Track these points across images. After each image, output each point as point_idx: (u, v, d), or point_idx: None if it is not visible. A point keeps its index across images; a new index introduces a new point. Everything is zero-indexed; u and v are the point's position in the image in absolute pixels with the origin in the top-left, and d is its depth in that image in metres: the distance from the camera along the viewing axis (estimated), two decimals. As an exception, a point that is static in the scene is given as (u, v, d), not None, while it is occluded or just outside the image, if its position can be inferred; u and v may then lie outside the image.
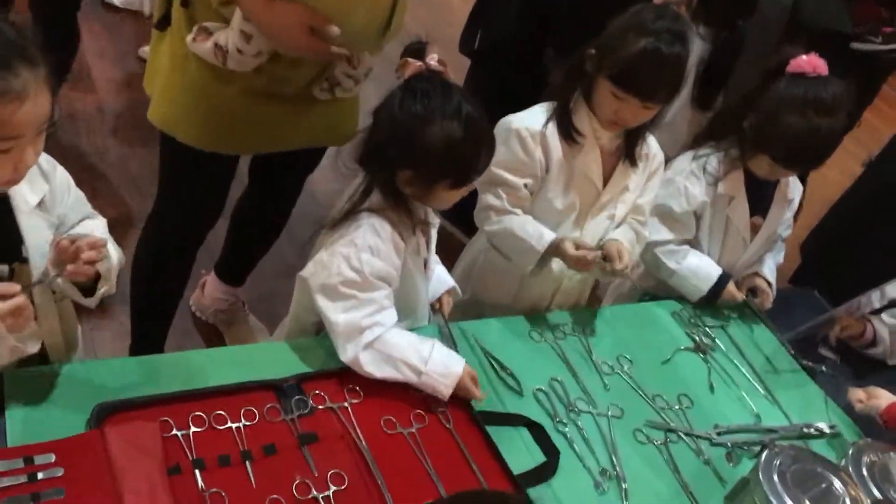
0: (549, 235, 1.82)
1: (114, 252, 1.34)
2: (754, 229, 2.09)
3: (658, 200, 2.03)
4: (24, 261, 1.27)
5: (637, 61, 1.65)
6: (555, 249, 1.82)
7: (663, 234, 2.05)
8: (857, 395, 1.76)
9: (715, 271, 2.04)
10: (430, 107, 1.40)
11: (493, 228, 1.86)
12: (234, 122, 1.74)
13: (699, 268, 2.05)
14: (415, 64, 1.44)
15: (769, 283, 2.12)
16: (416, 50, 1.47)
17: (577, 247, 1.79)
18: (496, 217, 1.84)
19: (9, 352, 1.25)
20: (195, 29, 1.65)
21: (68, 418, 1.25)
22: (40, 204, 1.29)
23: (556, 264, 1.90)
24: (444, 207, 1.55)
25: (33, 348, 1.29)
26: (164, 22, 1.74)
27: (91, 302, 1.33)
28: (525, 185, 1.83)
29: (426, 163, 1.43)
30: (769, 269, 2.14)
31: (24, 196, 1.26)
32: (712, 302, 2.04)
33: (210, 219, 2.02)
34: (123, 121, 3.28)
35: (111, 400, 1.28)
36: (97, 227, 1.41)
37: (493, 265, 1.96)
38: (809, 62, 1.86)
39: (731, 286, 2.05)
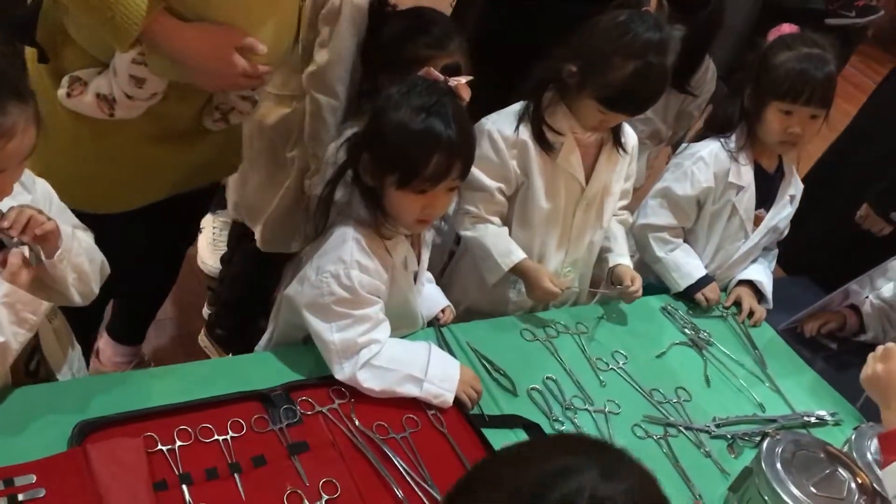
0: (516, 255, 1.80)
1: (83, 255, 1.30)
2: (756, 222, 2.07)
3: (664, 183, 2.03)
4: None
5: (628, 86, 1.63)
6: (522, 273, 1.80)
7: (662, 218, 2.04)
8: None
9: (697, 272, 2.02)
10: (406, 95, 1.38)
11: (467, 234, 1.83)
12: (124, 174, 1.57)
13: (683, 264, 2.03)
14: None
15: (764, 295, 2.09)
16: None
17: (550, 280, 1.78)
18: (471, 223, 1.82)
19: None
20: (66, 81, 1.45)
21: (49, 438, 1.21)
22: None
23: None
24: (406, 224, 1.47)
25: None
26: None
27: (51, 264, 1.23)
28: (499, 190, 1.80)
29: (376, 146, 1.40)
30: (766, 278, 2.10)
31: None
32: (688, 297, 2.02)
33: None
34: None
35: (93, 417, 1.25)
36: (88, 238, 1.37)
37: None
38: (782, 29, 1.92)
39: (711, 288, 2.01)
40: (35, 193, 1.30)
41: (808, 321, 2.13)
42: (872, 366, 1.53)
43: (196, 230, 2.09)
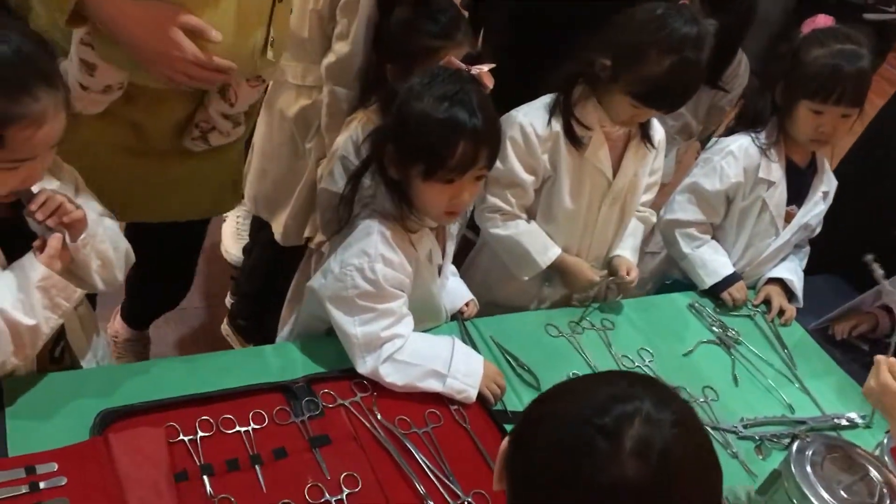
0: (553, 251, 1.80)
1: (107, 242, 1.30)
2: (788, 218, 2.03)
3: (693, 178, 2.00)
4: None
5: (663, 82, 1.60)
6: (562, 267, 1.82)
7: (689, 213, 2.00)
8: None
9: (724, 270, 1.98)
10: (428, 85, 1.36)
11: (499, 232, 1.80)
12: (96, 181, 1.40)
13: (710, 261, 2.00)
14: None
15: (795, 294, 2.05)
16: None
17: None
18: (503, 221, 1.80)
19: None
20: None
21: (71, 426, 1.21)
22: None
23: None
24: (433, 216, 1.46)
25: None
26: None
27: (74, 248, 1.23)
28: (532, 183, 1.78)
29: (400, 138, 1.38)
30: (797, 277, 2.06)
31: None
32: (714, 295, 1.99)
33: None
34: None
35: (115, 406, 1.25)
36: (113, 226, 1.36)
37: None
38: (817, 21, 1.86)
39: (737, 287, 1.97)
40: (62, 179, 1.29)
41: (838, 323, 2.08)
42: (868, 380, 1.48)
43: (192, 268, 2.02)
